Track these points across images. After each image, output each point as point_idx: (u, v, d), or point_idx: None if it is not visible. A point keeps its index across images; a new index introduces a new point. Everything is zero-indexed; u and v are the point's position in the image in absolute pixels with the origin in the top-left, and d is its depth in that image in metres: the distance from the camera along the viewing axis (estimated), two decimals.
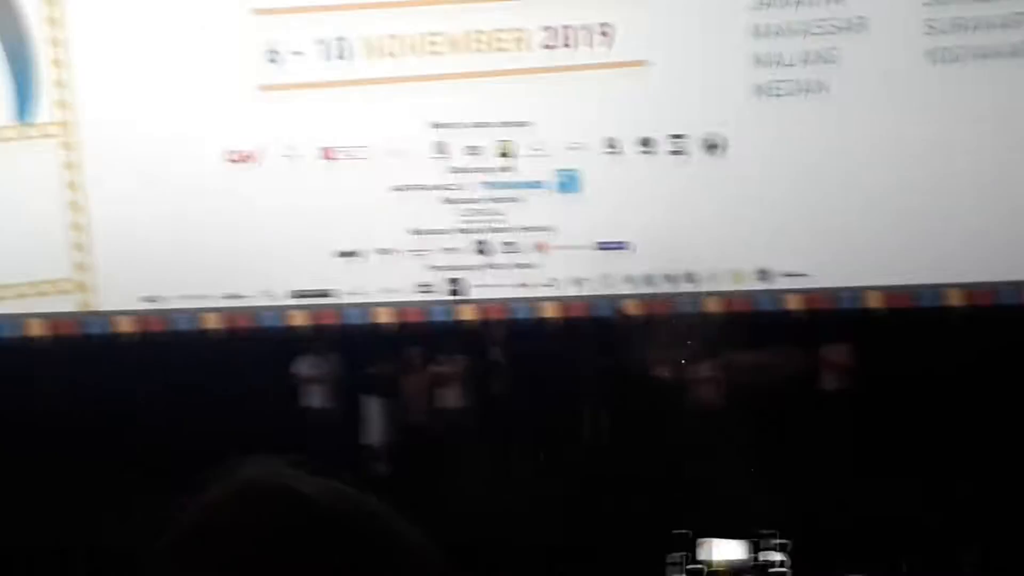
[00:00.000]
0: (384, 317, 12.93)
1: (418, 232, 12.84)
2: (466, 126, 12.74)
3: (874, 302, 12.89)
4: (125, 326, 12.78)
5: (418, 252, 12.84)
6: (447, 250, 12.84)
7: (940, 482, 11.51)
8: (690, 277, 12.89)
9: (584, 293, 12.95)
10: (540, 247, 12.85)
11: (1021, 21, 12.55)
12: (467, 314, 12.98)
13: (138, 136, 12.60)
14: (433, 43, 12.74)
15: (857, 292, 12.92)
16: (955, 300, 12.87)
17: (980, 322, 12.51)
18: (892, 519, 10.82)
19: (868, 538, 9.31)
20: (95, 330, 12.81)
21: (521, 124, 12.76)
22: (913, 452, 11.79)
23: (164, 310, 12.79)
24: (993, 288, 12.89)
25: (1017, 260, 12.79)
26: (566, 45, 12.73)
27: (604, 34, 12.69)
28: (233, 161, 12.67)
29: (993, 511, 10.69)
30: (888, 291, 12.90)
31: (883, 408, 12.01)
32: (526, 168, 12.79)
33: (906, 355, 12.02)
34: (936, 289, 12.89)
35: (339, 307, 12.95)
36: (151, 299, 12.79)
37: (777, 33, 12.61)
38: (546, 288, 12.94)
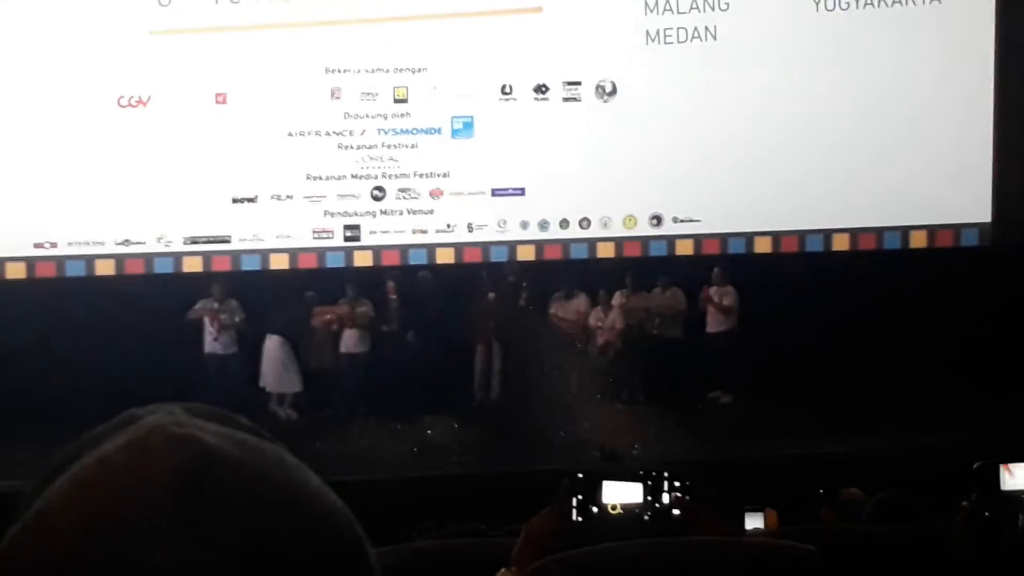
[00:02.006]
0: (280, 263, 12.88)
1: (313, 178, 12.78)
2: (361, 72, 12.69)
3: (763, 247, 13.13)
4: (15, 272, 12.57)
5: (313, 198, 12.79)
6: (342, 196, 12.82)
7: (833, 422, 11.82)
8: (583, 222, 13.01)
9: (479, 239, 13.00)
10: (434, 193, 12.88)
11: None
12: (362, 260, 12.98)
13: (29, 81, 12.35)
14: None
15: (747, 237, 13.16)
16: (841, 245, 13.16)
17: (865, 265, 12.84)
18: (788, 457, 11.07)
19: (765, 476, 9.56)
20: None
21: (416, 70, 12.74)
22: (805, 392, 12.09)
23: (55, 256, 12.60)
24: (878, 232, 13.21)
25: (902, 205, 13.10)
26: None
27: None
28: (125, 106, 12.49)
29: (888, 445, 11.00)
30: (776, 235, 13.15)
31: (775, 350, 12.25)
32: (421, 114, 12.79)
33: (796, 297, 12.27)
34: (823, 233, 13.17)
35: (234, 253, 12.86)
36: (42, 245, 12.58)
37: None
38: (442, 234, 12.97)
